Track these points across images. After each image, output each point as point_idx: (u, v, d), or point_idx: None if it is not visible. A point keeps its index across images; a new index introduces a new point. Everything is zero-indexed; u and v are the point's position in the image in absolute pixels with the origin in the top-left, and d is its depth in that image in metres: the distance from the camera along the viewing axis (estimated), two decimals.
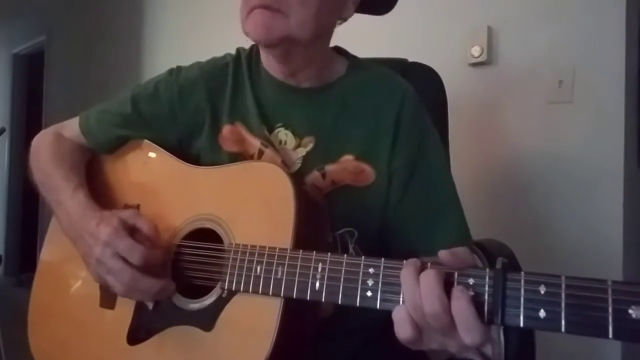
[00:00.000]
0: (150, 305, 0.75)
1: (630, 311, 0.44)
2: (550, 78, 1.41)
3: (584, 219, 1.35)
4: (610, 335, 0.45)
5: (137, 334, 0.76)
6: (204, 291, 0.72)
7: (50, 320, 0.89)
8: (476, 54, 1.53)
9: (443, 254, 0.54)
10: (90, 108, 0.95)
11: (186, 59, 0.92)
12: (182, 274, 0.76)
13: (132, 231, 0.74)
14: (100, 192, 0.88)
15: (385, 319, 0.59)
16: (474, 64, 1.55)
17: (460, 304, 0.50)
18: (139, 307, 0.76)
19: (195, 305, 0.72)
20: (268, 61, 0.85)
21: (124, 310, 0.77)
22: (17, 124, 4.93)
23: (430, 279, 0.52)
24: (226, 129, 0.84)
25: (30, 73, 4.92)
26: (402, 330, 0.54)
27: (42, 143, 0.93)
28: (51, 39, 4.29)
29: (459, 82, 1.50)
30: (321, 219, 0.74)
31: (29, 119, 4.82)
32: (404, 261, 0.56)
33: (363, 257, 0.59)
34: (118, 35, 3.32)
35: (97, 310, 0.81)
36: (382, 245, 0.83)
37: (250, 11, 0.74)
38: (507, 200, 1.49)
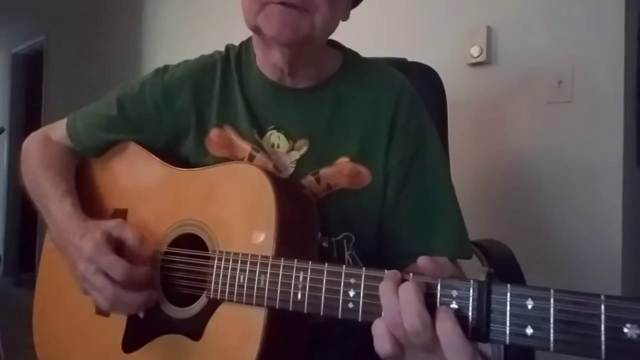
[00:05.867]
0: (141, 314, 0.74)
1: (625, 330, 0.40)
2: (550, 78, 1.41)
3: (583, 219, 1.35)
4: (603, 357, 0.41)
5: (131, 342, 0.76)
6: (193, 298, 0.72)
7: (52, 323, 0.89)
8: (475, 54, 1.53)
9: (422, 261, 0.51)
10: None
11: (185, 58, 0.91)
12: (170, 282, 0.75)
13: (117, 243, 0.73)
14: (89, 196, 0.87)
15: None
16: (474, 64, 1.55)
17: (445, 325, 0.47)
18: (131, 315, 0.76)
19: (183, 314, 0.72)
20: (267, 59, 0.80)
21: (118, 318, 0.77)
22: (16, 123, 4.93)
23: (409, 294, 0.48)
24: (214, 133, 0.81)
25: (30, 73, 4.92)
26: (381, 346, 0.50)
27: (31, 147, 0.91)
28: (50, 39, 4.29)
29: (458, 82, 1.50)
30: (308, 221, 0.71)
31: (28, 119, 4.81)
32: (385, 272, 0.53)
33: (344, 266, 0.56)
34: (117, 35, 3.32)
35: (93, 317, 0.81)
36: (380, 250, 0.81)
37: (265, 5, 0.70)
38: (507, 200, 1.49)
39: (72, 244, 0.75)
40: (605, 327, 0.41)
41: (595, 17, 1.34)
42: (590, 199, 1.34)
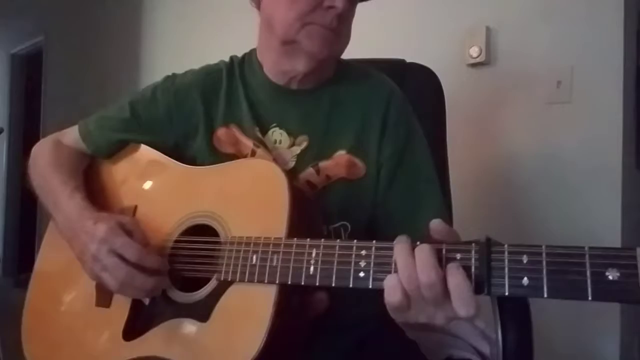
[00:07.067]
0: (147, 301, 0.75)
1: (607, 273, 0.47)
2: (549, 78, 1.41)
3: (582, 220, 1.35)
4: (590, 297, 0.47)
5: (133, 330, 0.76)
6: (201, 284, 0.72)
7: (44, 325, 0.89)
8: (474, 55, 1.53)
9: (435, 223, 0.58)
10: (88, 111, 0.97)
11: (183, 59, 0.94)
12: (180, 269, 0.76)
13: (129, 234, 0.75)
14: (98, 196, 0.89)
15: (381, 316, 0.60)
16: (473, 65, 1.56)
17: (456, 278, 0.53)
18: (135, 304, 0.77)
19: (191, 297, 0.73)
20: (278, 66, 0.87)
21: (120, 308, 0.78)
22: (15, 124, 4.91)
23: (425, 252, 0.55)
24: (221, 132, 0.88)
25: (29, 73, 4.91)
26: (392, 296, 0.56)
27: (41, 150, 0.95)
28: (49, 39, 4.28)
29: (458, 83, 1.50)
30: (313, 212, 0.76)
31: (27, 120, 4.80)
32: (395, 240, 0.58)
33: (355, 240, 0.61)
34: (116, 35, 3.32)
35: (92, 309, 0.81)
36: (373, 238, 0.84)
37: (308, 24, 0.79)
38: (505, 200, 1.49)
39: (83, 230, 0.77)
40: (590, 272, 0.48)
41: (594, 18, 1.34)
42: (589, 199, 1.34)
